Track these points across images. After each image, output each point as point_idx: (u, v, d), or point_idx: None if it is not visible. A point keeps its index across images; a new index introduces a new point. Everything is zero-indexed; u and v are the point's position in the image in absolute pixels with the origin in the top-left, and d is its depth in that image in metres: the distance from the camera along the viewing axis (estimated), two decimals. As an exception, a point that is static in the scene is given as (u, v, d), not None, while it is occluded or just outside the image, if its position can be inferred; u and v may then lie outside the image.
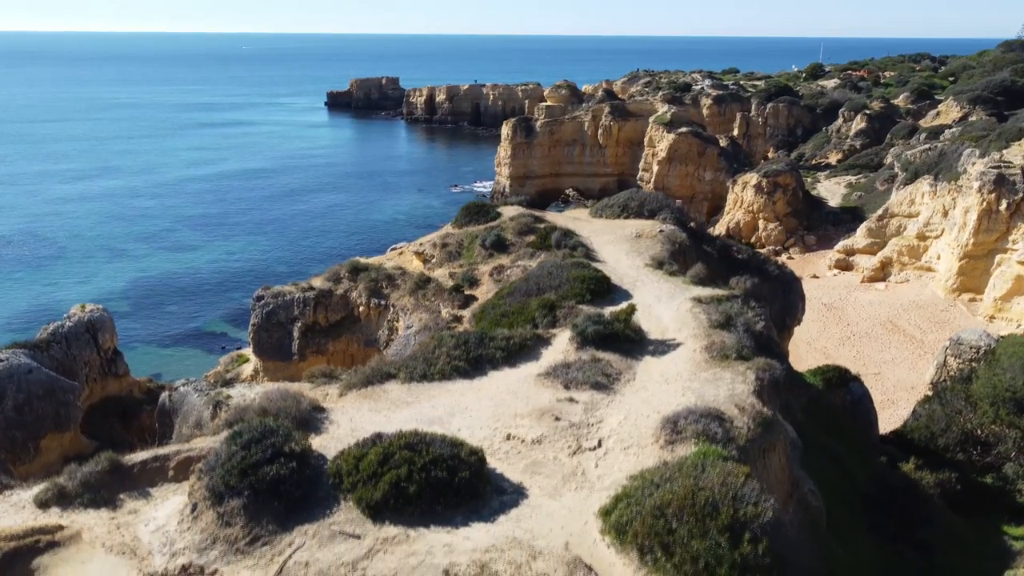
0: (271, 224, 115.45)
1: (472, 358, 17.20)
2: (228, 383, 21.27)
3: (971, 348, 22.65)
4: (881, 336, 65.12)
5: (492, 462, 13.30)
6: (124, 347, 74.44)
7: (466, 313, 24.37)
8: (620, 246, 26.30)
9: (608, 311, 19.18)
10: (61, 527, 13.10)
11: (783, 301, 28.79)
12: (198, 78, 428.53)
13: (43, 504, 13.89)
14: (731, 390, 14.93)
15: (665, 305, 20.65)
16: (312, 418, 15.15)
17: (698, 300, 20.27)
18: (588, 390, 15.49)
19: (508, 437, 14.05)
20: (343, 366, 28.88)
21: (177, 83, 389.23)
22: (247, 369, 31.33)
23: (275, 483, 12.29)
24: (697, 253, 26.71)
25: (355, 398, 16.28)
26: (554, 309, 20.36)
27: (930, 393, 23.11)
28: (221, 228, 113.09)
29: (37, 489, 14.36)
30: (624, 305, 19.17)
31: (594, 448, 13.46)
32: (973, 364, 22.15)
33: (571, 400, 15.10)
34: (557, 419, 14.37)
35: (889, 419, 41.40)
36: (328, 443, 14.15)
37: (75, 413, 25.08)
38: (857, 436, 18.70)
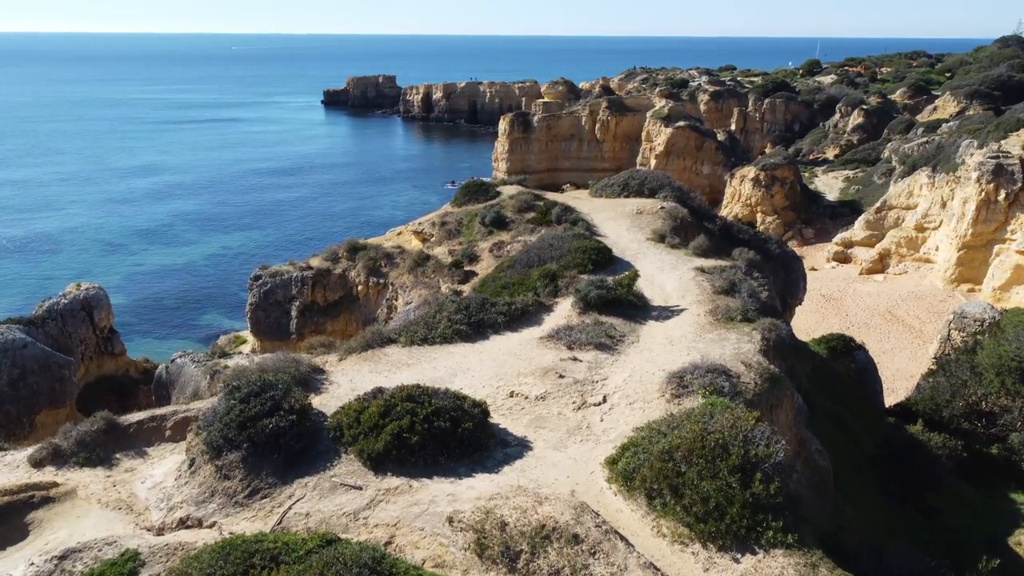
0: (267, 219, 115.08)
1: (474, 322, 16.96)
2: (226, 356, 21.02)
3: (975, 321, 22.46)
4: (880, 327, 65.02)
5: (496, 417, 13.07)
6: (123, 340, 74.48)
7: (466, 288, 24.11)
8: (621, 222, 26.07)
9: (611, 279, 18.95)
10: (56, 484, 12.85)
11: (784, 279, 28.58)
12: (192, 77, 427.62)
13: (38, 463, 13.63)
14: (737, 349, 14.71)
15: (667, 275, 20.43)
16: (312, 379, 14.90)
17: (701, 270, 20.06)
18: (592, 350, 15.26)
19: (511, 394, 13.81)
20: (342, 345, 28.69)
21: (171, 82, 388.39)
22: (244, 349, 30.98)
23: (274, 435, 12.04)
24: (699, 228, 26.47)
25: (355, 361, 16.04)
26: (556, 279, 20.13)
27: (935, 367, 22.94)
28: (217, 223, 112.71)
29: (31, 449, 14.12)
30: (627, 272, 18.94)
31: (599, 403, 13.23)
32: (977, 336, 21.97)
33: (575, 359, 14.87)
34: (561, 377, 14.14)
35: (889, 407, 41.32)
36: (328, 401, 13.91)
37: (71, 389, 24.78)
38: (863, 403, 18.49)
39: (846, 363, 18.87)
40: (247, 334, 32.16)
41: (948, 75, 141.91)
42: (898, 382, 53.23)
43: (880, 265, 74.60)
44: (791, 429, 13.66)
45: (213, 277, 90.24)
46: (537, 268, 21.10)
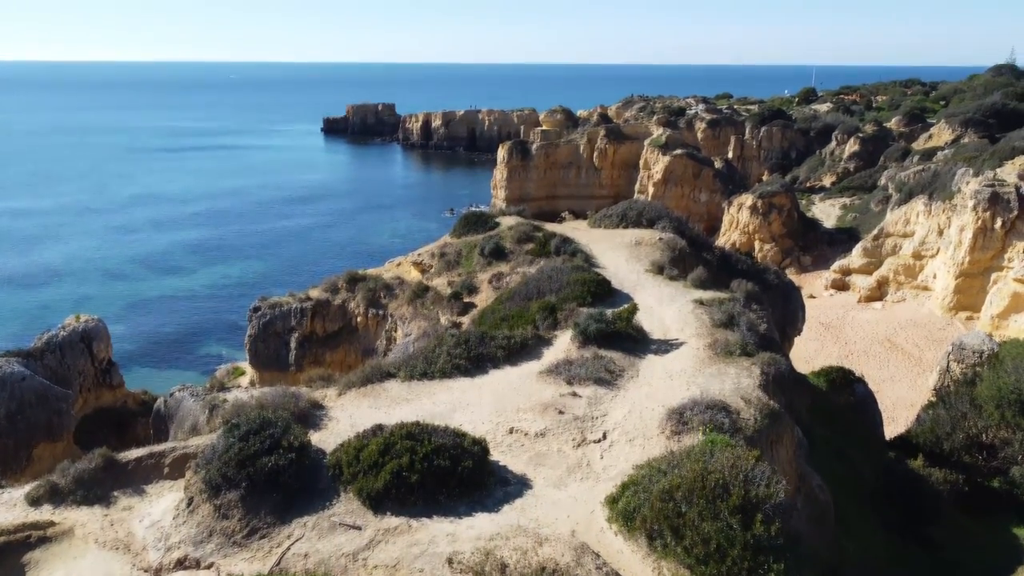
0: (267, 248, 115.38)
1: (473, 356, 16.98)
2: (225, 389, 20.98)
3: (974, 352, 22.50)
4: (879, 354, 65.02)
5: (495, 455, 13.04)
6: (121, 369, 74.26)
7: (465, 320, 24.17)
8: (619, 252, 26.18)
9: (610, 312, 19.00)
10: (53, 523, 12.77)
11: (783, 309, 28.64)
12: (191, 104, 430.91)
13: (35, 501, 13.55)
14: (736, 384, 14.72)
15: (667, 307, 20.49)
16: (311, 415, 14.88)
17: (700, 302, 20.12)
18: (591, 385, 15.27)
19: (511, 431, 13.80)
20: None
21: (170, 109, 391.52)
22: (243, 381, 30.91)
23: (273, 474, 12.01)
24: (697, 259, 26.58)
25: (354, 396, 16.03)
26: (555, 311, 20.18)
27: (934, 398, 22.91)
28: (217, 252, 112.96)
29: (29, 487, 14.04)
30: (626, 305, 19.01)
31: (599, 440, 13.21)
32: (976, 368, 21.98)
33: (574, 395, 14.87)
34: (560, 413, 14.13)
35: (889, 436, 41.21)
36: (327, 438, 13.88)
37: (68, 422, 24.68)
38: (863, 436, 18.45)
39: (846, 396, 18.84)
40: (245, 365, 32.15)
41: (943, 103, 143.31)
42: (898, 411, 53.09)
43: (878, 292, 74.76)
44: (791, 465, 13.64)
45: (212, 306, 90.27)
46: (536, 300, 21.18)
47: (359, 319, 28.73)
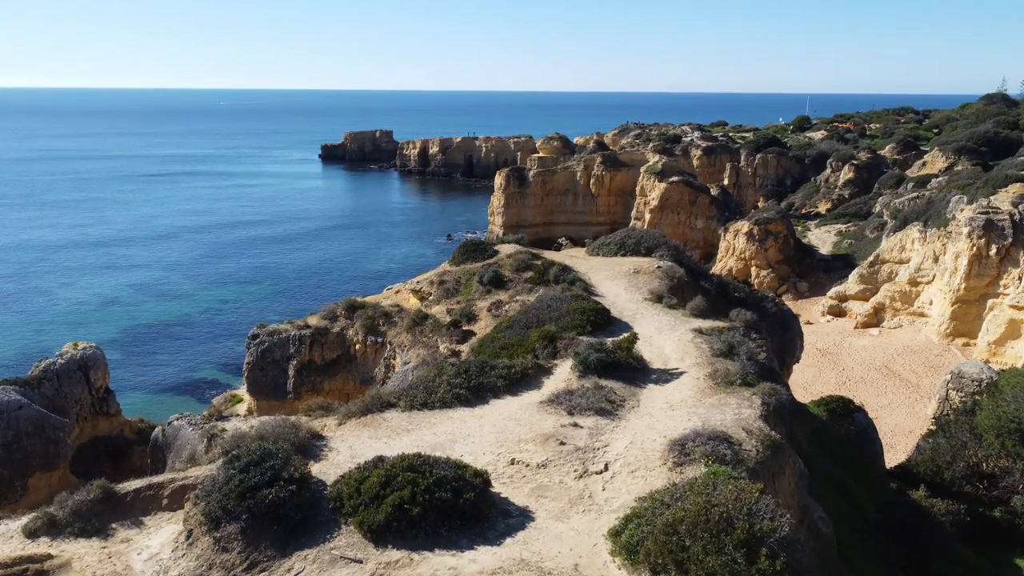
0: (264, 273, 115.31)
1: (473, 386, 16.95)
2: (224, 418, 20.86)
3: (972, 381, 22.50)
4: (877, 381, 64.99)
5: (497, 486, 12.98)
6: (116, 394, 73.82)
7: (464, 348, 24.14)
8: (618, 281, 26.26)
9: (610, 341, 19.03)
10: (50, 556, 12.64)
11: (781, 338, 28.69)
12: (185, 131, 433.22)
13: (32, 534, 13.42)
14: (737, 414, 14.71)
15: (666, 336, 20.51)
16: (311, 445, 14.81)
17: (699, 331, 20.16)
18: (592, 416, 15.24)
19: (512, 462, 13.74)
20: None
21: (165, 136, 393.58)
22: (241, 409, 30.76)
23: (274, 506, 11.93)
24: (695, 288, 26.67)
25: (354, 426, 15.97)
26: (554, 340, 20.20)
27: (933, 427, 22.86)
28: (214, 277, 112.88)
29: (26, 519, 13.91)
30: (626, 334, 19.03)
31: (601, 472, 13.16)
32: (976, 397, 21.97)
33: (575, 425, 14.85)
34: (562, 444, 14.10)
35: (889, 464, 41.04)
36: (328, 469, 13.81)
37: (65, 451, 24.48)
38: (863, 466, 18.41)
39: (845, 425, 18.81)
40: (243, 393, 32.00)
41: (936, 131, 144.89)
42: (896, 438, 52.93)
43: (875, 319, 74.90)
44: (793, 497, 13.59)
45: (209, 332, 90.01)
46: (536, 329, 21.20)
47: (358, 347, 28.68)
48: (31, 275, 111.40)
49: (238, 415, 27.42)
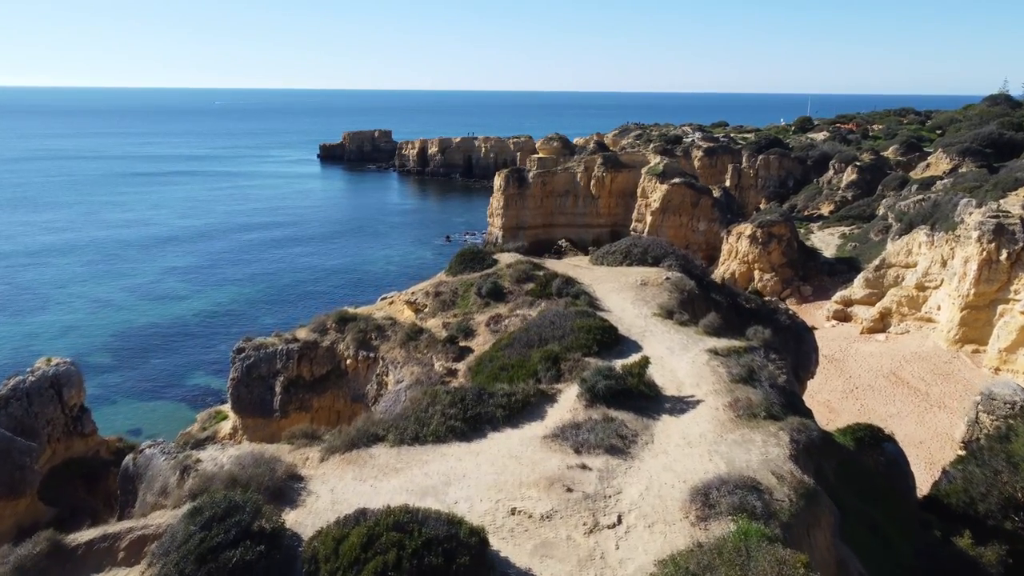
0: (260, 275, 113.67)
1: (470, 417, 15.39)
2: (200, 444, 19.30)
3: (1005, 403, 21.01)
4: (885, 388, 63.47)
5: (495, 542, 11.41)
6: (105, 401, 72.24)
7: (461, 366, 22.58)
8: (625, 294, 24.70)
9: (619, 364, 17.47)
10: (-15, 623, 11.07)
11: (795, 352, 27.17)
12: (181, 131, 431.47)
13: (-31, 593, 11.85)
14: (764, 454, 13.15)
15: (679, 357, 18.95)
16: (287, 488, 13.24)
17: (714, 352, 18.60)
18: (602, 454, 13.67)
19: (513, 511, 12.17)
20: (328, 424, 26.92)
21: (161, 135, 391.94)
22: (225, 427, 29.21)
23: (240, 571, 10.37)
24: (706, 301, 25.13)
25: (338, 463, 14.40)
26: (558, 362, 18.65)
27: (963, 453, 21.36)
28: (209, 279, 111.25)
29: (-36, 575, 12.32)
30: (636, 357, 17.46)
31: (613, 525, 11.61)
32: (1009, 421, 20.49)
33: (583, 467, 13.28)
34: (569, 490, 12.53)
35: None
36: (305, 519, 12.24)
37: (32, 477, 22.90)
38: (895, 501, 16.93)
39: (875, 456, 17.30)
40: (228, 409, 30.40)
41: (939, 132, 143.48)
42: (907, 448, 51.14)
43: (881, 324, 73.37)
44: (830, 551, 12.07)
45: (202, 336, 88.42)
46: (538, 349, 19.64)
47: (349, 362, 27.09)
48: (22, 277, 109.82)
49: (218, 443, 25.79)
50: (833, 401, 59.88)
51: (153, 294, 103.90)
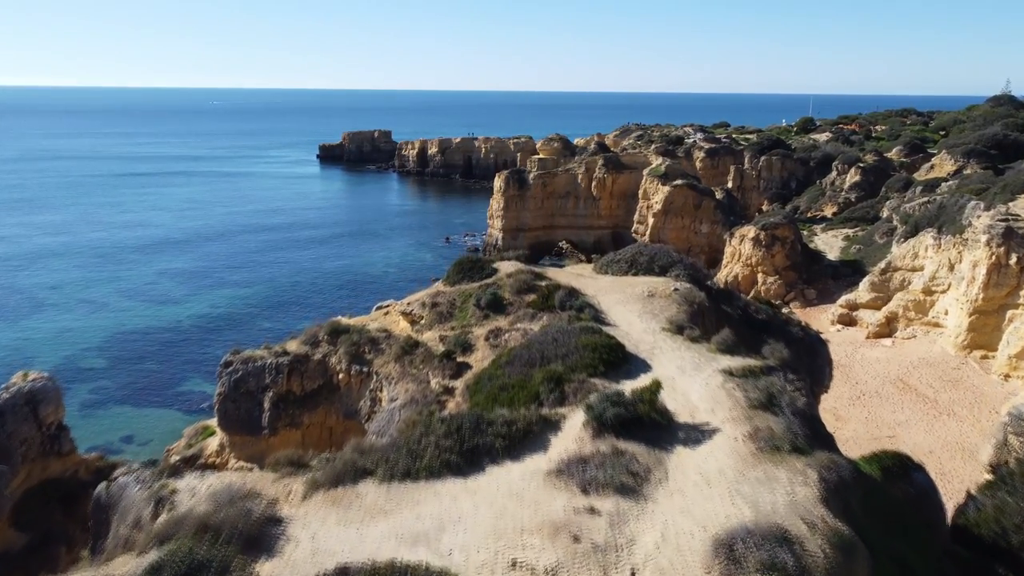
0: (257, 278, 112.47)
1: (466, 450, 14.13)
2: (178, 471, 18.03)
3: (1036, 425, 19.82)
4: (892, 396, 62.22)
5: (494, 602, 10.17)
6: (98, 407, 71.03)
7: (458, 384, 21.33)
8: (631, 306, 23.44)
9: (627, 387, 16.21)
10: None
11: (809, 366, 25.92)
12: (181, 131, 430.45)
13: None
14: (791, 496, 11.89)
15: (691, 378, 17.68)
16: (264, 534, 11.97)
17: (729, 373, 17.34)
18: (612, 495, 12.40)
19: (514, 564, 10.91)
20: (319, 441, 25.68)
21: (160, 136, 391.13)
22: (212, 444, 27.94)
23: (202, 641, 9.12)
24: (717, 313, 23.88)
25: (321, 503, 13.13)
26: (562, 383, 17.40)
27: (990, 477, 20.18)
28: (205, 282, 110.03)
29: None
30: (647, 381, 16.20)
31: (626, 582, 10.35)
32: (1042, 444, 19.30)
33: (592, 511, 12.01)
34: (576, 539, 11.27)
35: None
36: (281, 571, 10.98)
37: (2, 503, 21.66)
38: (926, 537, 15.73)
39: (903, 487, 16.12)
40: (216, 423, 29.12)
41: (942, 133, 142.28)
42: (917, 458, 50.23)
43: (887, 329, 72.18)
44: (867, 609, 10.83)
45: (198, 339, 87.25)
46: (540, 368, 18.39)
47: (341, 376, 25.83)
48: (17, 278, 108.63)
49: (207, 455, 24.59)
50: (840, 409, 58.63)
51: (149, 297, 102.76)
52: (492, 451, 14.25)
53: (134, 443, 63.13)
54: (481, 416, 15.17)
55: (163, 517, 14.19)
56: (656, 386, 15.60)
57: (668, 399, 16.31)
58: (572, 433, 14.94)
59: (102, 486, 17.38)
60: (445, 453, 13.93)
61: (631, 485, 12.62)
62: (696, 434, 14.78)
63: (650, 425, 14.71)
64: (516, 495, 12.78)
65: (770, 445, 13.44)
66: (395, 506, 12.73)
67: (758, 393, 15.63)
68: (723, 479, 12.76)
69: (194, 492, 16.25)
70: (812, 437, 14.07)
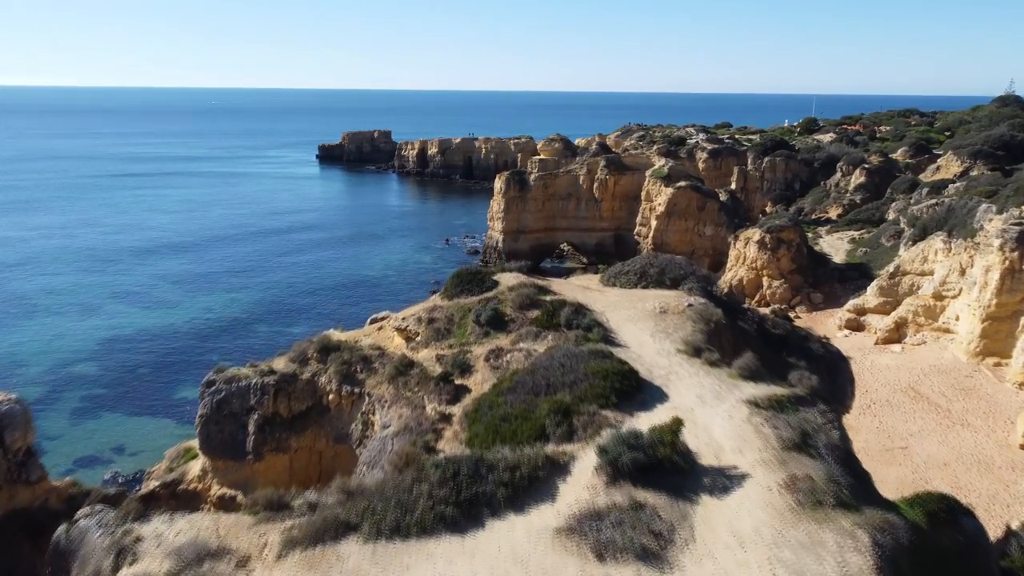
0: (255, 282, 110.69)
1: (464, 500, 12.43)
2: (146, 511, 16.29)
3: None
4: (903, 404, 60.46)
5: None
6: (89, 415, 69.26)
7: (456, 410, 19.63)
8: (643, 324, 21.73)
9: (643, 420, 14.50)
10: None
11: (831, 386, 24.26)
12: (179, 131, 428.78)
13: None
14: (842, 566, 10.20)
15: (712, 409, 15.97)
16: (228, 609, 10.28)
17: (755, 404, 15.62)
18: (631, 562, 10.69)
19: (519, 655, 9.22)
20: (307, 469, 24.01)
21: (158, 136, 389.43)
22: (194, 468, 26.21)
23: None
24: (734, 331, 22.18)
25: (296, 565, 11.43)
26: (570, 415, 15.71)
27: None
28: (201, 285, 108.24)
29: None
30: (665, 415, 14.50)
31: None
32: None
33: (609, 583, 10.33)
34: (592, 622, 9.58)
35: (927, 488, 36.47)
36: (245, 661, 9.29)
37: (-40, 540, 20.02)
38: (979, 594, 14.11)
39: (951, 534, 14.44)
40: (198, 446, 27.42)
41: (947, 134, 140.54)
42: (930, 471, 48.48)
43: (896, 334, 70.38)
44: None
45: (193, 344, 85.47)
46: (546, 397, 16.70)
47: (331, 397, 24.12)
48: (10, 281, 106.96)
49: (189, 480, 22.86)
50: (850, 419, 56.60)
51: (144, 301, 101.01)
52: (493, 501, 12.55)
53: (124, 454, 61.38)
54: (481, 459, 13.45)
55: (124, 572, 12.49)
56: (677, 424, 13.88)
57: (689, 436, 14.60)
58: (583, 479, 13.22)
59: (61, 529, 15.71)
60: (440, 505, 12.23)
61: (653, 549, 10.92)
62: (723, 480, 13.06)
63: (671, 470, 13.00)
64: (520, 560, 11.08)
65: (812, 499, 11.73)
66: (381, 571, 11.03)
67: (790, 432, 13.92)
68: (760, 541, 11.06)
69: (160, 540, 14.56)
70: (856, 487, 12.36)
